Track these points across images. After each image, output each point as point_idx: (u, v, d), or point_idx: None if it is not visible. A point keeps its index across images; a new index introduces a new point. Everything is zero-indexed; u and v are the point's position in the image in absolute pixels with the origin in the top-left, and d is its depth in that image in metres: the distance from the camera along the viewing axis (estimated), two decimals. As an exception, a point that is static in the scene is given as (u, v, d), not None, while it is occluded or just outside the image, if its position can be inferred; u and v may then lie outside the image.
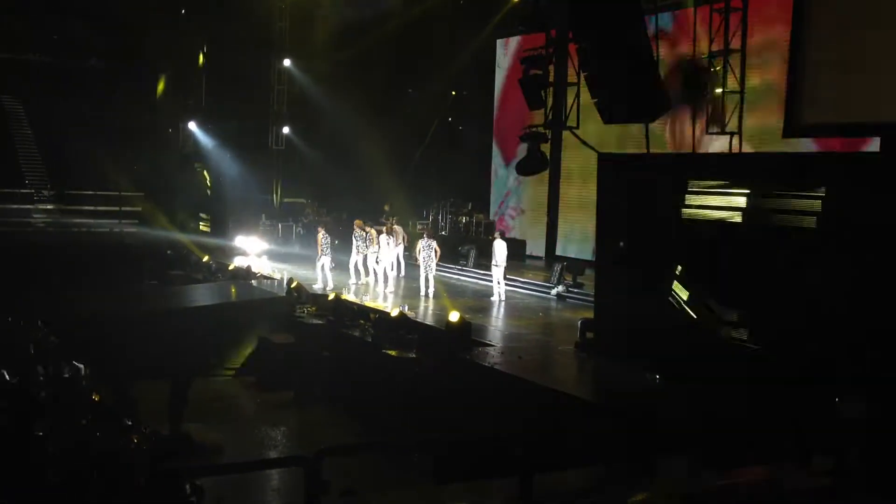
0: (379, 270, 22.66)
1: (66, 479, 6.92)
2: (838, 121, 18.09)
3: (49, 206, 33.97)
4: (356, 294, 21.25)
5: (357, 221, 23.28)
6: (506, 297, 20.93)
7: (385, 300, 20.51)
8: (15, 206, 33.01)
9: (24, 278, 20.68)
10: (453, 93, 33.23)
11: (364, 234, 22.77)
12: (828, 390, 9.22)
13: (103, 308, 18.64)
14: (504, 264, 20.90)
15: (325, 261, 22.19)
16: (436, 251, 21.33)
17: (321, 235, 22.47)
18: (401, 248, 24.06)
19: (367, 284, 22.60)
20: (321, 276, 22.17)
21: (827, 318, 11.12)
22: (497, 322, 18.67)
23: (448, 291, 21.69)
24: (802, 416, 8.59)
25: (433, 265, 21.32)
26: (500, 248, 20.83)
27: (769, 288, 11.95)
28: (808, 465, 8.37)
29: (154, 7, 32.47)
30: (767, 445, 9.47)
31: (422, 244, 21.41)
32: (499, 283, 20.96)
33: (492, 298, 20.90)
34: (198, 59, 34.45)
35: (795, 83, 16.79)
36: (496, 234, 22.18)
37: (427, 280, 21.20)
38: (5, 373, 9.66)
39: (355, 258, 22.86)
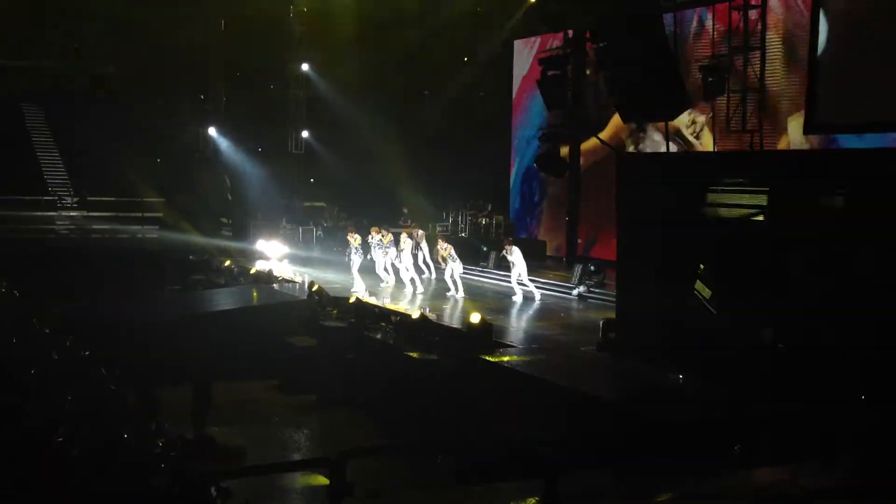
0: (405, 274, 22.70)
1: (89, 483, 6.95)
2: (858, 118, 17.98)
3: (72, 213, 34.23)
4: (382, 296, 21.34)
5: (374, 228, 23.40)
6: (524, 296, 21.07)
7: (410, 302, 20.56)
8: (38, 213, 33.29)
9: (47, 284, 20.83)
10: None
11: (380, 237, 22.90)
12: (852, 390, 9.16)
13: (126, 313, 18.76)
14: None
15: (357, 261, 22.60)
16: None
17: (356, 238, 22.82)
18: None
19: (397, 287, 22.74)
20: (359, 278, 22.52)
21: (848, 317, 11.03)
22: (518, 323, 18.64)
23: (468, 293, 21.68)
24: (827, 416, 8.52)
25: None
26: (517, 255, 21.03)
27: (791, 286, 11.88)
28: (834, 465, 8.31)
29: (173, 13, 32.67)
30: (792, 445, 9.41)
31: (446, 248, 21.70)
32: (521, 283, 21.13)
33: (514, 298, 21.05)
34: (217, 63, 34.64)
35: (816, 81, 16.70)
36: (510, 241, 22.12)
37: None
38: (28, 378, 9.73)
39: (382, 261, 23.08)
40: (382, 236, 22.87)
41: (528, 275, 21.35)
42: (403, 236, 23.10)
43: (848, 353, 10.89)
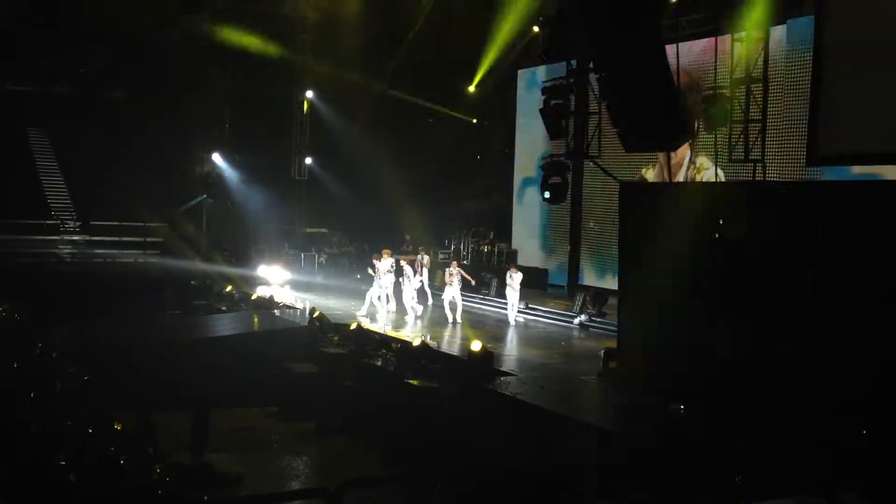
0: (406, 300, 22.71)
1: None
2: (862, 149, 17.95)
3: (75, 238, 34.26)
4: (383, 323, 21.33)
5: (385, 251, 23.47)
6: (525, 324, 21.13)
7: (411, 329, 20.55)
8: (41, 238, 33.31)
9: (49, 309, 20.81)
10: (474, 120, 33.47)
11: (392, 266, 22.97)
12: (855, 422, 9.11)
13: (126, 338, 18.72)
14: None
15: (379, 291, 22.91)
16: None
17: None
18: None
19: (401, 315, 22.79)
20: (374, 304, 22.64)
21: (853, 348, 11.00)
22: (519, 351, 18.60)
23: (470, 320, 21.67)
24: (829, 450, 8.47)
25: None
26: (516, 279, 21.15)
27: (794, 316, 11.85)
28: (834, 500, 8.25)
29: (178, 39, 32.90)
30: (792, 478, 9.35)
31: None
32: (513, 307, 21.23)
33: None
34: (222, 90, 34.81)
35: (818, 111, 16.65)
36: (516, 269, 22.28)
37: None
38: (29, 401, 9.72)
39: (384, 290, 23.11)
40: (406, 264, 23.04)
41: (530, 303, 21.42)
42: (404, 263, 23.19)
43: (853, 384, 10.86)
